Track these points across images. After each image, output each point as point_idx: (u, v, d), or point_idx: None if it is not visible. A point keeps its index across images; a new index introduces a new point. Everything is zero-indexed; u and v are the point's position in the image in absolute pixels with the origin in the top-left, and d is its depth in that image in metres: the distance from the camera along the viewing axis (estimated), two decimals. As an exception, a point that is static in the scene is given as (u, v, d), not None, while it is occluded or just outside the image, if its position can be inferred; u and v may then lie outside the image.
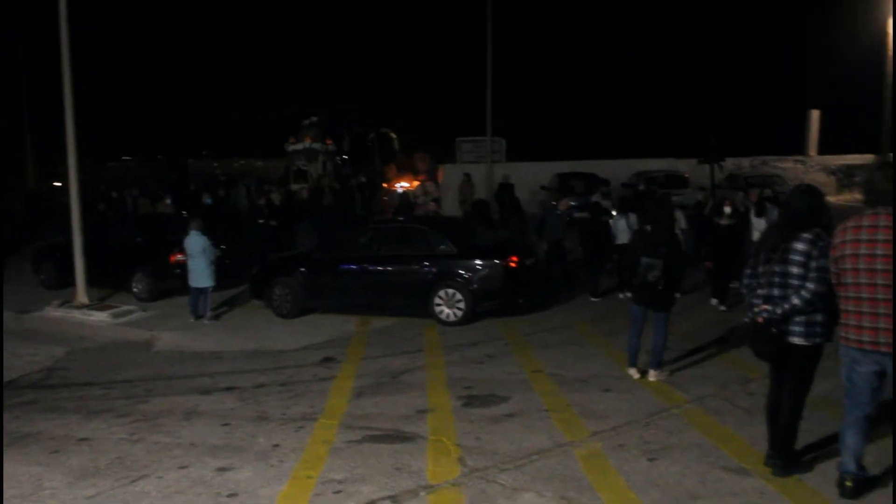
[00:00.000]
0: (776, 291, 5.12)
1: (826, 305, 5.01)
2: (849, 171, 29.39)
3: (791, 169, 28.20)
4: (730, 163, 28.31)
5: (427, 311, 11.51)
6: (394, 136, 26.48)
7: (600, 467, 5.61)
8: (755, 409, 6.54)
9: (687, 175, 24.66)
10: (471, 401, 7.54)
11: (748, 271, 5.43)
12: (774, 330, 5.11)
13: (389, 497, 5.25)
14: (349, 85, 42.11)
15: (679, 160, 27.91)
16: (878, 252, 4.56)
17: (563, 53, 42.63)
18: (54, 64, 13.37)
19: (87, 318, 13.07)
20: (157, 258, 14.03)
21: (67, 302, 13.64)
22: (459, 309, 11.27)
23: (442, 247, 11.66)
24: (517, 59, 36.15)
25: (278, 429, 7.00)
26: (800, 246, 5.02)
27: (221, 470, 5.96)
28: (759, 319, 5.16)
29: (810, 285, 4.96)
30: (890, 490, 4.94)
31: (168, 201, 19.17)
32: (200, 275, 12.38)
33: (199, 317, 12.59)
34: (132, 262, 14.43)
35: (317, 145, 26.36)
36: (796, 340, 5.11)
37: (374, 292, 11.97)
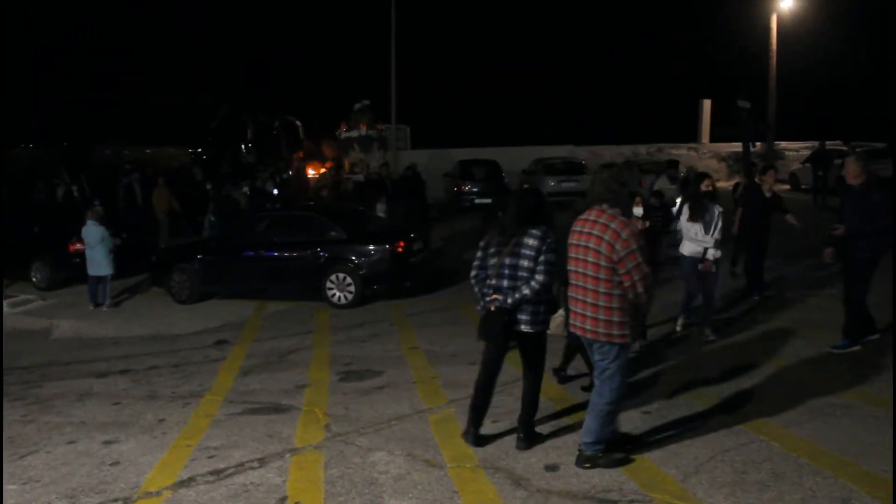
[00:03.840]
0: (506, 283, 5.63)
1: (549, 297, 5.71)
2: (738, 157, 31.29)
3: (685, 156, 29.77)
4: (626, 150, 29.81)
5: (320, 295, 12.09)
6: (298, 123, 26.62)
7: (449, 430, 6.38)
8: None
9: (585, 162, 25.83)
10: (348, 376, 8.24)
11: (476, 263, 5.94)
12: (507, 318, 5.65)
13: (258, 459, 5.90)
14: (253, 72, 41.97)
15: (578, 147, 29.19)
16: (590, 245, 5.09)
17: (466, 42, 43.64)
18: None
19: (-17, 307, 13.17)
20: (56, 247, 14.20)
21: (-37, 292, 13.68)
22: (350, 292, 11.90)
23: (332, 233, 12.26)
24: (421, 46, 36.85)
25: (166, 406, 7.56)
26: (531, 241, 5.58)
27: (107, 443, 6.50)
28: (492, 308, 5.70)
29: (539, 277, 5.54)
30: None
31: (245, 189, 17.20)
32: (99, 263, 12.67)
33: (98, 304, 12.88)
34: (31, 251, 14.56)
35: (372, 132, 25.50)
36: (524, 328, 5.70)
37: (270, 277, 12.51)
